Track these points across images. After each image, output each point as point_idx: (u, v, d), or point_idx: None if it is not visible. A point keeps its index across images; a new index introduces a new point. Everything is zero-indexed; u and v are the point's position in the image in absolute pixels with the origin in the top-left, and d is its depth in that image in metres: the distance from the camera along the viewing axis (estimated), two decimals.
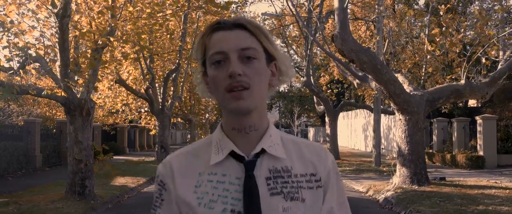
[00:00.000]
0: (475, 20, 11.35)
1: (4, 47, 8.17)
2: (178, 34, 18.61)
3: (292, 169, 1.16)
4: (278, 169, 1.15)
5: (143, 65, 18.24)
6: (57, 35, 8.58)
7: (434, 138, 19.58)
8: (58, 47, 8.60)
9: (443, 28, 9.67)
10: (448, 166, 16.86)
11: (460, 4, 16.14)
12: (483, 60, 10.34)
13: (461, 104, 21.24)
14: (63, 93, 8.79)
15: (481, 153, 15.88)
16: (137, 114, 22.80)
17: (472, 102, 21.95)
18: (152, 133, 24.67)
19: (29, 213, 8.06)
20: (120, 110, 21.55)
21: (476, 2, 17.35)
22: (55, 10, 8.24)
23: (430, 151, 19.27)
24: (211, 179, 1.14)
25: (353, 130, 34.66)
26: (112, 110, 21.12)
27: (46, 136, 17.87)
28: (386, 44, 14.30)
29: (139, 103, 21.54)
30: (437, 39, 9.64)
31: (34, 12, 8.69)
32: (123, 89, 18.73)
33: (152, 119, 22.34)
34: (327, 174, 1.18)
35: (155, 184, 1.21)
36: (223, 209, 1.10)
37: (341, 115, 37.69)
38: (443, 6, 10.57)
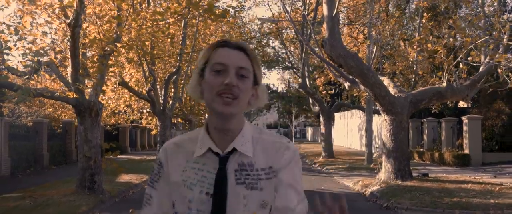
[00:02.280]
0: (462, 25, 12.10)
1: (22, 54, 8.96)
2: (178, 38, 19.37)
3: (255, 164, 1.39)
4: (244, 163, 1.38)
5: (145, 68, 18.99)
6: (68, 43, 9.37)
7: (424, 137, 20.37)
8: (69, 53, 9.39)
9: (422, 36, 10.45)
10: (436, 164, 17.65)
11: (448, 11, 16.89)
12: (461, 65, 11.13)
13: (451, 105, 22.00)
14: (74, 95, 9.57)
15: (466, 151, 16.68)
16: (139, 114, 23.57)
17: (462, 103, 22.73)
18: (153, 133, 25.46)
19: (45, 205, 8.84)
20: (123, 110, 22.31)
21: (462, 9, 18.12)
22: (68, 21, 9.04)
23: (421, 149, 20.08)
24: (194, 167, 1.40)
25: (349, 130, 35.43)
26: (115, 110, 21.89)
27: (52, 136, 18.66)
28: (375, 49, 15.09)
29: (141, 104, 22.30)
30: (415, 47, 10.44)
31: (49, 22, 9.49)
32: (126, 91, 19.49)
33: (154, 119, 23.12)
34: (282, 166, 1.40)
35: (155, 164, 1.49)
36: (200, 191, 1.37)
37: (337, 115, 38.48)
38: (425, 14, 11.36)
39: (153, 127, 24.10)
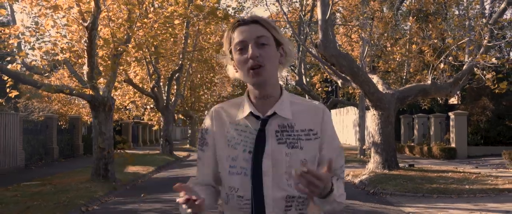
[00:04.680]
0: (444, 28, 13.05)
1: (45, 54, 9.91)
2: (181, 38, 20.29)
3: (295, 125, 1.52)
4: (285, 125, 1.52)
5: (149, 66, 19.92)
6: (85, 44, 10.31)
7: (415, 132, 21.38)
8: (86, 53, 10.33)
9: (407, 37, 11.42)
10: (425, 157, 18.65)
11: (438, 12, 17.84)
12: (442, 65, 12.10)
13: (441, 101, 23.01)
14: (90, 92, 10.53)
15: (453, 145, 17.70)
16: (143, 110, 24.54)
17: (451, 100, 23.76)
18: (155, 128, 26.43)
19: (65, 190, 9.80)
20: (127, 107, 23.25)
21: (451, 10, 19.07)
22: (85, 24, 9.99)
23: (412, 144, 21.08)
24: (237, 128, 1.54)
25: (345, 126, 36.44)
26: (119, 107, 22.84)
27: (60, 130, 19.60)
28: (366, 48, 16.01)
29: (145, 100, 23.24)
30: (398, 48, 11.40)
31: (68, 25, 10.44)
32: (131, 88, 20.43)
33: (156, 115, 24.10)
34: (321, 128, 1.54)
35: (200, 132, 1.65)
36: (243, 149, 1.51)
37: (334, 111, 39.42)
38: (411, 18, 12.32)
39: (155, 122, 25.09)
